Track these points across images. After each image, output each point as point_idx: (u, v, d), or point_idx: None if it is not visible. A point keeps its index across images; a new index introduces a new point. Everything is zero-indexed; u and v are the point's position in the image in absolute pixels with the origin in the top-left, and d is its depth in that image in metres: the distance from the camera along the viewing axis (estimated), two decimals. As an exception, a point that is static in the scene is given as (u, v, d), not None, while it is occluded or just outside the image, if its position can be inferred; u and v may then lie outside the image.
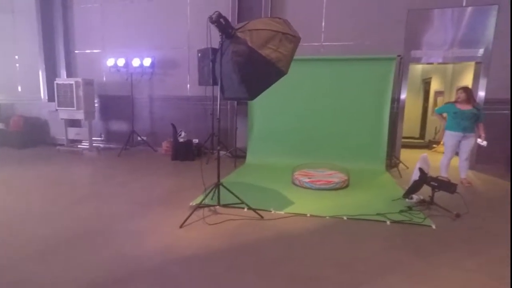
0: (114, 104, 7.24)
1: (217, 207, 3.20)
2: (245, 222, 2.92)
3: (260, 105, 5.72)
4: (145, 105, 7.07)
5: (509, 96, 5.33)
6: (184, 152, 5.99)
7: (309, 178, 4.21)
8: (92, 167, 5.45)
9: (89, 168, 5.43)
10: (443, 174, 4.46)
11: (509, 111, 5.33)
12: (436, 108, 5.41)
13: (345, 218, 3.06)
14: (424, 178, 3.40)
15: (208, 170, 3.73)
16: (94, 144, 6.93)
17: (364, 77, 5.41)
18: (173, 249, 2.37)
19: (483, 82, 5.47)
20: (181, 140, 6.12)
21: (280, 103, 5.69)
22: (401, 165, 5.48)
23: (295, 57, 2.91)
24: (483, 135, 4.37)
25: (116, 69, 6.71)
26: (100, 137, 7.50)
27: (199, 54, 5.74)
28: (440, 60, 5.86)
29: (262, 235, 2.65)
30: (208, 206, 3.21)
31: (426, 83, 9.21)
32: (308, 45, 5.90)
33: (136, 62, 6.53)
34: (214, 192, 3.22)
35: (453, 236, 2.73)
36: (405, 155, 6.07)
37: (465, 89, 4.48)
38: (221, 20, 2.64)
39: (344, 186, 4.19)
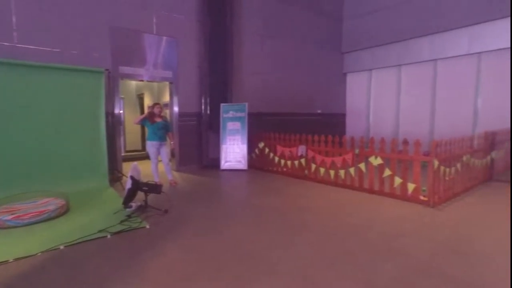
0: None
1: None
2: None
3: None
4: None
5: (192, 110, 7.21)
6: None
7: (12, 214, 3.54)
8: None
9: None
10: (156, 179, 5.35)
11: (196, 122, 7.28)
12: (136, 120, 5.66)
13: (62, 247, 2.93)
14: (136, 184, 3.93)
15: None
16: None
17: (73, 89, 5.19)
18: None
19: (176, 99, 7.02)
20: None
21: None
22: (124, 178, 5.88)
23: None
24: (173, 141, 5.77)
25: None
26: None
27: None
28: (147, 78, 6.68)
29: None
30: None
31: (140, 98, 10.28)
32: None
33: None
34: None
35: (162, 229, 3.44)
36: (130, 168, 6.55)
37: (159, 105, 5.56)
38: None
39: (62, 212, 3.91)
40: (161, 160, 5.61)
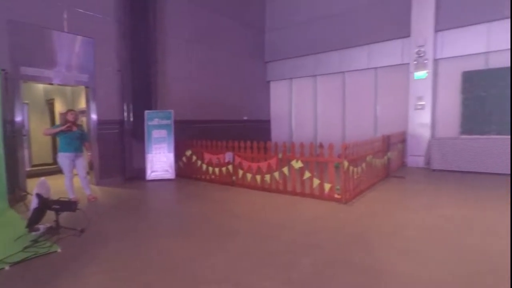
0: None
1: None
2: None
3: None
4: None
5: (113, 118, 6.72)
6: None
7: None
8: None
9: None
10: (71, 195, 4.83)
11: (118, 131, 6.79)
12: (48, 129, 5.31)
13: None
14: (43, 203, 3.49)
15: None
16: None
17: None
18: None
19: (94, 105, 6.43)
20: None
21: None
22: (29, 197, 5.14)
23: None
24: (90, 153, 5.33)
25: None
26: None
27: None
28: (58, 81, 5.91)
29: None
30: None
31: (50, 104, 9.11)
32: None
33: None
34: None
35: (78, 251, 3.14)
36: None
37: (73, 111, 5.07)
38: None
39: None
40: (76, 174, 5.09)
